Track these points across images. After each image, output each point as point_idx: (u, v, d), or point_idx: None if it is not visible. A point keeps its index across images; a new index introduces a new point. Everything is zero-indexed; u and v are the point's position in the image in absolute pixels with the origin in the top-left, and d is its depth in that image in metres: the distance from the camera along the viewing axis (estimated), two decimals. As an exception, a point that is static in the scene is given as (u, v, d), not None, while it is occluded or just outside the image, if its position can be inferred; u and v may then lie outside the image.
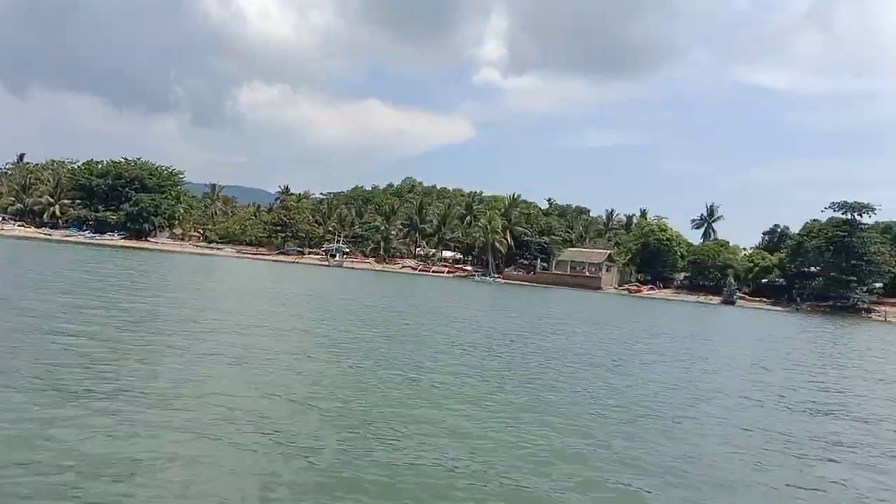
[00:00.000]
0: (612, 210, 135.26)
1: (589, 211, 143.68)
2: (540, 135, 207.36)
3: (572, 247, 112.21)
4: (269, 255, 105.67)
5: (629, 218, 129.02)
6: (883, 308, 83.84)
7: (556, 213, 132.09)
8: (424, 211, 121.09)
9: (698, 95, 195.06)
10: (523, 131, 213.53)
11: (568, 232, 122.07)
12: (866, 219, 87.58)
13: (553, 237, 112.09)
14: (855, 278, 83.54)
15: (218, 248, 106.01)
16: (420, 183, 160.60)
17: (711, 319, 55.87)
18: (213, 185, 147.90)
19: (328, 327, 22.25)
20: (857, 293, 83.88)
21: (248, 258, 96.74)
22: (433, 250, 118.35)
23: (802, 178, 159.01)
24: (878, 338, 47.99)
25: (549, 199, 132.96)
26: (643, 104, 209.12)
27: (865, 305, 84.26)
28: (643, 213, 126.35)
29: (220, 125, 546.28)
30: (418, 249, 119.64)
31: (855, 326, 60.99)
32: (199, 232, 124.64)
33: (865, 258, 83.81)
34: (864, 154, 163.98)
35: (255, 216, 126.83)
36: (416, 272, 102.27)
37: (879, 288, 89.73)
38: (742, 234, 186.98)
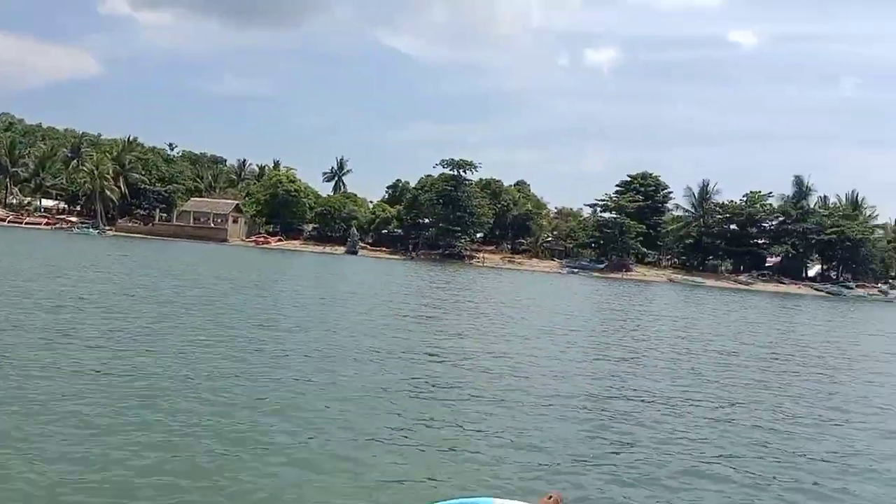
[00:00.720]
0: (245, 160, 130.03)
1: (225, 160, 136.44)
2: (175, 77, 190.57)
3: (201, 197, 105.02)
4: None
5: (262, 168, 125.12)
6: (482, 254, 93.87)
7: (188, 160, 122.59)
8: (18, 152, 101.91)
9: (340, 53, 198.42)
10: (157, 72, 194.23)
11: (197, 181, 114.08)
12: (470, 175, 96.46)
13: (176, 185, 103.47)
14: (459, 228, 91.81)
15: None
16: (20, 121, 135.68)
17: (318, 269, 55.40)
18: None
19: None
20: (461, 242, 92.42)
21: None
22: (28, 199, 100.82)
23: (427, 138, 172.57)
24: (445, 278, 52.09)
25: (171, 144, 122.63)
26: (284, 54, 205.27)
27: (468, 252, 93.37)
28: (276, 164, 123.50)
29: None
30: (10, 198, 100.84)
31: (445, 271, 66.20)
32: None
33: (468, 210, 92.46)
34: (477, 119, 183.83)
35: None
36: (5, 224, 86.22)
37: (480, 237, 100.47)
38: (372, 187, 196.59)
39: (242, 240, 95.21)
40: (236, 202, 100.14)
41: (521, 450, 8.66)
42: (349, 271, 54.27)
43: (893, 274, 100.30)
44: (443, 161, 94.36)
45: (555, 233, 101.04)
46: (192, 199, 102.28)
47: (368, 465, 7.63)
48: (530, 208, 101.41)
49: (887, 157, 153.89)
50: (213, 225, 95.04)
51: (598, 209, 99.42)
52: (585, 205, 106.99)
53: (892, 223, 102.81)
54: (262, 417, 9.23)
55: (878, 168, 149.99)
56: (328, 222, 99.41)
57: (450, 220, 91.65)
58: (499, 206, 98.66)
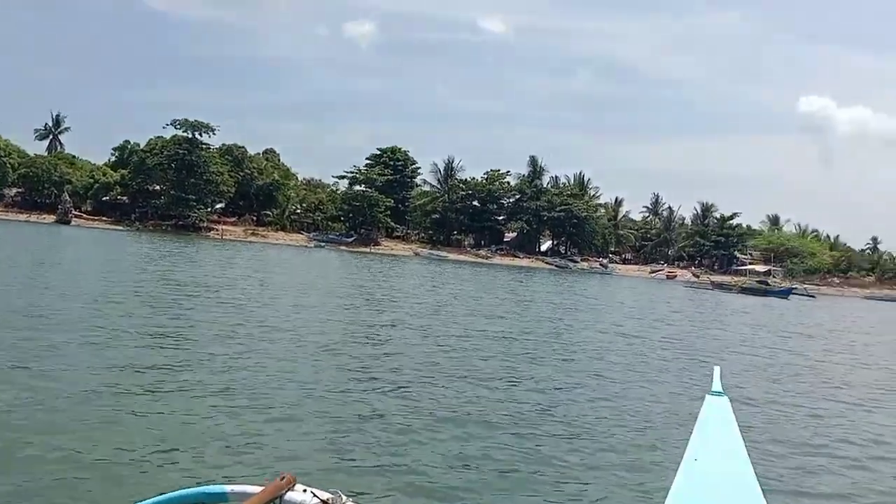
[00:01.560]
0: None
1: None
2: None
3: None
4: None
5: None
6: (221, 226, 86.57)
7: None
8: None
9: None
10: None
11: None
12: (208, 139, 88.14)
13: None
14: (195, 197, 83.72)
15: None
16: None
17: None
18: None
19: None
20: (196, 212, 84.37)
21: None
22: None
23: (177, 101, 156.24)
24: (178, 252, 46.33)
25: None
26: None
27: (205, 224, 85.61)
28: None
29: None
30: None
31: (171, 245, 59.43)
32: None
33: (205, 177, 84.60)
34: (234, 84, 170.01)
35: None
36: None
37: (220, 208, 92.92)
38: (102, 149, 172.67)
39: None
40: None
41: (255, 434, 8.06)
42: (39, 244, 45.63)
43: (612, 249, 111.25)
44: (175, 121, 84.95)
45: (304, 205, 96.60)
46: None
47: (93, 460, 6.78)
48: (277, 178, 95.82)
49: (609, 144, 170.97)
50: None
51: (347, 181, 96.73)
52: (333, 176, 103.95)
53: (612, 203, 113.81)
54: None
55: (603, 154, 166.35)
56: (36, 187, 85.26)
57: (183, 187, 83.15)
58: (242, 174, 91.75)
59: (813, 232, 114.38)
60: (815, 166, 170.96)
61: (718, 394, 3.29)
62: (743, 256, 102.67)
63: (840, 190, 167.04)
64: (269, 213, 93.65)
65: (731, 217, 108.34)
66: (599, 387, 12.81)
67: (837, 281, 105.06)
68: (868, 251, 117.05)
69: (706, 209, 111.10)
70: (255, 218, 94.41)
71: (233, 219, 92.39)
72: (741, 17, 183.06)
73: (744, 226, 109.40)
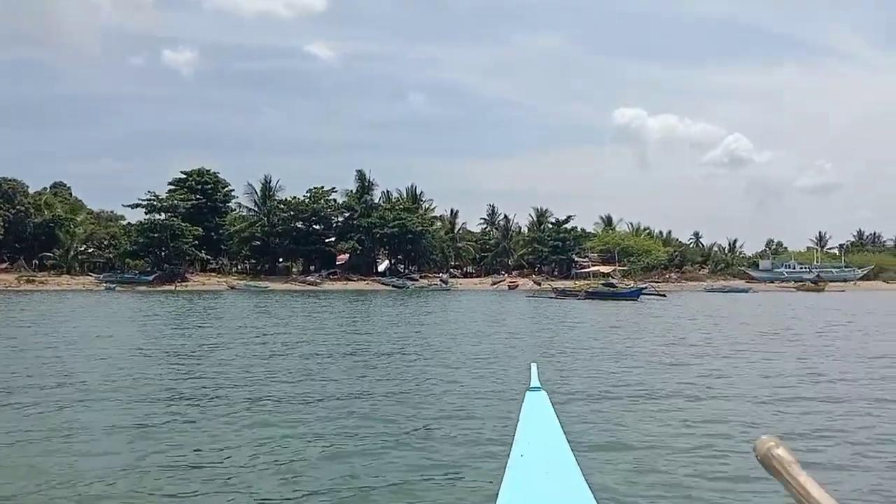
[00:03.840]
0: None
1: None
2: None
3: None
4: None
5: None
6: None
7: None
8: None
9: None
10: None
11: None
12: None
13: None
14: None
15: None
16: None
17: None
18: None
19: None
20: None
21: None
22: None
23: None
24: None
25: None
26: None
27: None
28: None
29: None
30: None
31: None
32: None
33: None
34: (45, 126, 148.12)
35: None
36: None
37: (-12, 253, 78.54)
38: None
39: None
40: None
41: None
42: None
43: (453, 263, 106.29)
44: None
45: (92, 242, 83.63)
46: None
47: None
48: (60, 213, 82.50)
49: (443, 166, 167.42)
50: None
51: (144, 210, 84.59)
52: (124, 205, 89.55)
53: (449, 215, 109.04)
54: None
55: (436, 176, 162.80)
56: None
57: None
58: (14, 212, 77.95)
59: (645, 229, 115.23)
60: (635, 170, 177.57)
61: (537, 389, 3.21)
62: (581, 259, 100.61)
63: (660, 190, 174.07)
64: (50, 254, 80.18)
65: (566, 220, 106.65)
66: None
67: (675, 276, 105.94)
68: (693, 244, 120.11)
69: (541, 215, 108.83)
70: (36, 262, 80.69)
71: (4, 265, 78.24)
72: (564, 39, 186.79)
73: (579, 229, 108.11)
